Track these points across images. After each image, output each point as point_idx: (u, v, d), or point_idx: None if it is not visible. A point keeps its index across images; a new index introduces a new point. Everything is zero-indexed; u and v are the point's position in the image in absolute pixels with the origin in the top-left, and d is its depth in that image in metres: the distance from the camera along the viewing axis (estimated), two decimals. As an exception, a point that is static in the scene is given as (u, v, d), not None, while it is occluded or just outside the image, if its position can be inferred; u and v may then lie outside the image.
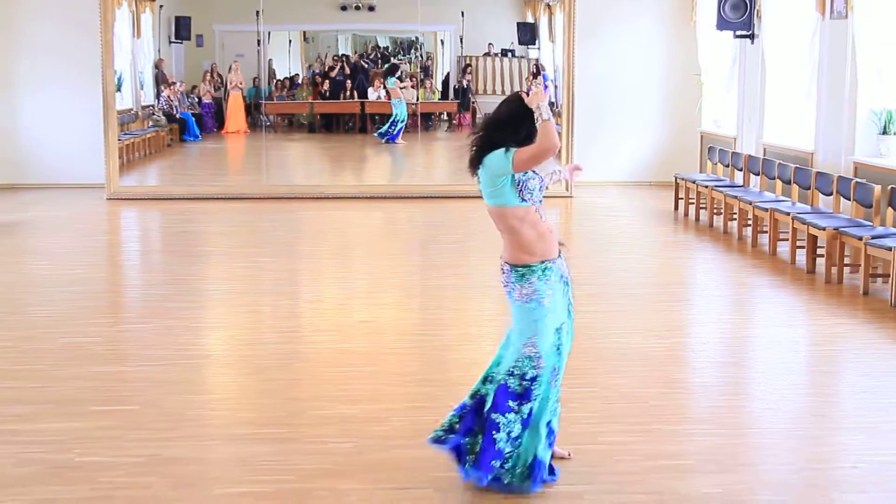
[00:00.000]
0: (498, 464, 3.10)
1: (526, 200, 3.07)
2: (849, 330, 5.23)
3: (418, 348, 4.87)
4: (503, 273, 3.17)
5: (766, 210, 7.24)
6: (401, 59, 12.29)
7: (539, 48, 11.74)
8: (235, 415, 3.93)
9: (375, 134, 11.82)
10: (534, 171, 3.10)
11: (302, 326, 5.44)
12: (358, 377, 4.33)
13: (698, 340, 5.13)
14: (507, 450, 3.10)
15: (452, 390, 3.99)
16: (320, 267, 7.02)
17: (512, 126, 3.06)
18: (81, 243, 7.87)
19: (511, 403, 3.09)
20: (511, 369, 3.13)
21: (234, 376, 4.50)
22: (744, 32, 9.00)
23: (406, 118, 11.47)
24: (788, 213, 6.89)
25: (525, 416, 3.11)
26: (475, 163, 3.10)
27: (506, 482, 3.15)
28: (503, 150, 3.03)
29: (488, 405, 3.14)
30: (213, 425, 3.79)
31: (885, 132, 7.13)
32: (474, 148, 3.11)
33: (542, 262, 3.09)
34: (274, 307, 5.87)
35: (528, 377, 3.10)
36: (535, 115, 3.03)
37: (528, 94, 3.10)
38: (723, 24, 8.94)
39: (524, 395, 3.10)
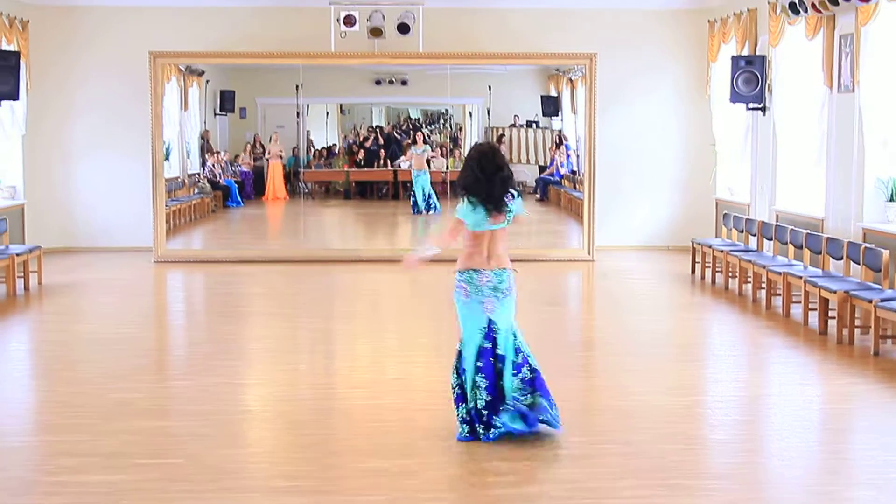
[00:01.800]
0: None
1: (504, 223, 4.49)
2: (860, 389, 5.31)
3: (448, 404, 4.88)
4: (504, 280, 4.54)
5: (780, 274, 7.39)
6: (431, 130, 12.72)
7: (562, 119, 12.03)
8: (273, 468, 4.04)
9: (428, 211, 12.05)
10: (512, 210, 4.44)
11: (337, 383, 5.58)
12: (390, 432, 4.47)
13: (715, 398, 5.22)
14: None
15: (481, 444, 4.18)
16: (354, 326, 7.19)
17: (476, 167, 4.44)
18: (130, 304, 8.13)
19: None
20: (519, 346, 4.48)
21: (273, 431, 4.64)
22: (756, 105, 9.23)
23: (417, 188, 11.73)
24: (801, 277, 7.03)
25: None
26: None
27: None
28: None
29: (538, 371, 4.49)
30: (252, 478, 3.90)
31: (891, 199, 7.29)
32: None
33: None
34: (310, 365, 6.04)
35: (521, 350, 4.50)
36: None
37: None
38: (736, 97, 9.18)
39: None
